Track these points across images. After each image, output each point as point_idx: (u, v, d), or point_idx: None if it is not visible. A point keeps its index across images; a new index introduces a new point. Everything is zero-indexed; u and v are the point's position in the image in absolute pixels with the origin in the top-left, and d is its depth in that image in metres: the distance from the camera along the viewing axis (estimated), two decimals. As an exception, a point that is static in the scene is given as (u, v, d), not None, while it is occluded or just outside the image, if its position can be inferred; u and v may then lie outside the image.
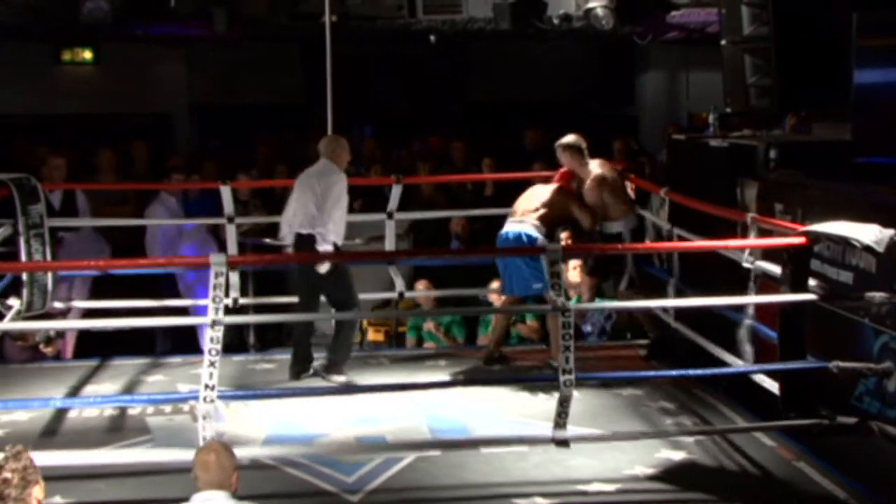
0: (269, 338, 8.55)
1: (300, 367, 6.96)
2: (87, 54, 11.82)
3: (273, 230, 8.68)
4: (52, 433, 6.03)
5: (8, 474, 3.35)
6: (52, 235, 7.01)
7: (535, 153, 9.94)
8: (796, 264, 5.31)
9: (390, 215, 7.69)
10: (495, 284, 7.63)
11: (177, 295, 8.09)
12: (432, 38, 10.35)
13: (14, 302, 6.69)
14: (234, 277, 7.22)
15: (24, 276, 6.71)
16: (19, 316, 6.65)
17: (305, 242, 6.67)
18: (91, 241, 8.23)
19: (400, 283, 7.58)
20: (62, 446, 5.59)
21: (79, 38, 11.34)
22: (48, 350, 7.82)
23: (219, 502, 3.70)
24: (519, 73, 12.23)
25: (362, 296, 8.31)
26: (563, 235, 7.29)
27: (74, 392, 6.84)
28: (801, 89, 7.03)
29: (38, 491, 3.41)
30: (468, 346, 8.08)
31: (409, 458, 5.48)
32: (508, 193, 7.57)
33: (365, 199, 9.07)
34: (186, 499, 3.76)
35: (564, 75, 12.34)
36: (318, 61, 9.36)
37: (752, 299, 5.88)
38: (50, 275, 6.89)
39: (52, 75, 11.80)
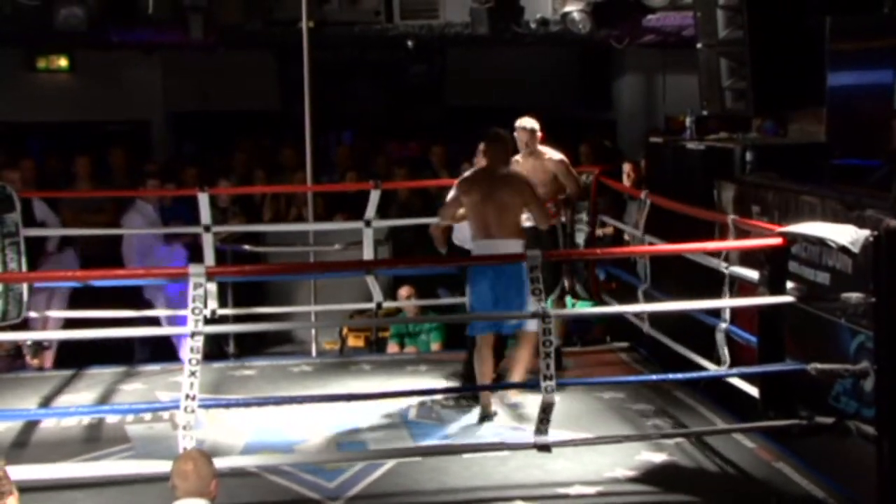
0: (247, 345, 8.52)
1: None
2: (63, 61, 11.73)
3: (251, 237, 8.65)
4: (31, 443, 5.99)
5: (-20, 486, 3.32)
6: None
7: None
8: (774, 266, 5.33)
9: (368, 223, 7.60)
10: None
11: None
12: (409, 43, 10.34)
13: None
14: (212, 286, 7.15)
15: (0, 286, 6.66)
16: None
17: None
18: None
19: (378, 294, 7.44)
20: (41, 456, 5.55)
21: (54, 45, 11.26)
22: (34, 362, 7.77)
23: (198, 511, 3.68)
24: (496, 77, 12.21)
25: (340, 306, 8.26)
26: None
27: (53, 402, 6.79)
28: (776, 92, 7.07)
29: (12, 501, 3.38)
30: (447, 352, 8.08)
31: (390, 463, 5.48)
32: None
33: (344, 206, 9.05)
34: (166, 508, 3.74)
35: (542, 80, 12.33)
36: (294, 67, 9.34)
37: (730, 302, 5.90)
38: (25, 284, 6.84)
39: (26, 83, 11.71)
